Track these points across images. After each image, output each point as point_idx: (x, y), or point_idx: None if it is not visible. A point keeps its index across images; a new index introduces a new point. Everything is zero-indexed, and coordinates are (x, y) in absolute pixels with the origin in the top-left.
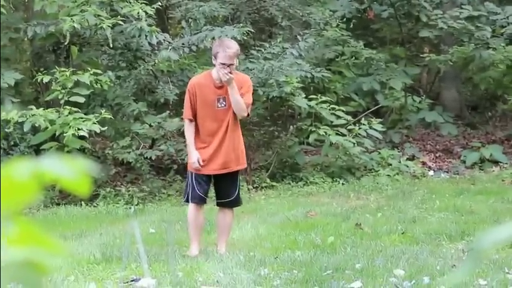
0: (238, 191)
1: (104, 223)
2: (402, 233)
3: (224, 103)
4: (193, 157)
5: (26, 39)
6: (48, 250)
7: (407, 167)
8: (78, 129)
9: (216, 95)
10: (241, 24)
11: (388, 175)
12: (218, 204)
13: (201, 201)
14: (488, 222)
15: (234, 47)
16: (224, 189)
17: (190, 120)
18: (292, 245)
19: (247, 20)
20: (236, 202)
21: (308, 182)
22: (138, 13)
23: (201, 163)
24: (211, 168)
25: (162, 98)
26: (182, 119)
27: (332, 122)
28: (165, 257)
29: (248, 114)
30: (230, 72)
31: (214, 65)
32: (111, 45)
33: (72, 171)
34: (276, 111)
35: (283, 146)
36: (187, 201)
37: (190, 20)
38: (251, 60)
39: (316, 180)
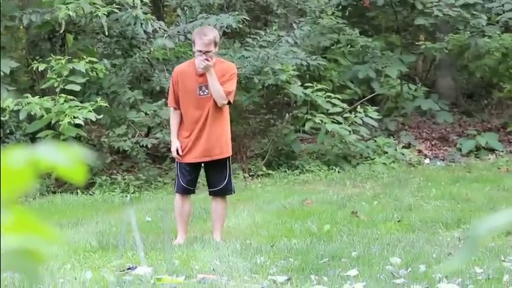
0: (229, 179)
1: (100, 211)
2: (398, 221)
3: (207, 91)
4: (173, 146)
5: (21, 27)
6: (44, 238)
7: (403, 155)
8: (74, 117)
9: (198, 83)
10: (236, 12)
11: (384, 163)
12: (210, 193)
13: (184, 191)
14: (484, 210)
15: (211, 34)
16: (213, 177)
17: (174, 108)
18: (289, 233)
19: (243, 7)
20: (226, 190)
21: (304, 170)
22: (133, 1)
23: (180, 152)
24: (192, 156)
25: (157, 86)
26: None
27: (328, 110)
28: (161, 245)
29: (230, 102)
30: (207, 60)
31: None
32: (106, 33)
33: (68, 159)
34: (271, 99)
35: (279, 134)
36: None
37: (185, 7)
38: (246, 48)
39: (312, 168)
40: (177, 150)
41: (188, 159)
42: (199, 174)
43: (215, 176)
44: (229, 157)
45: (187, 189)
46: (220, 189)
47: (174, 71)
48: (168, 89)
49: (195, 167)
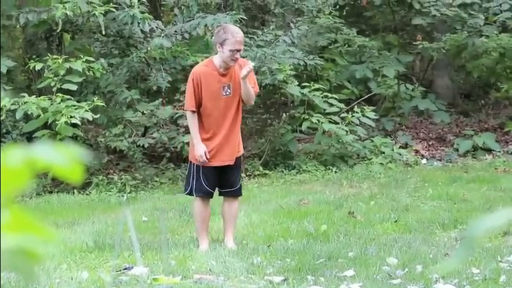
0: (241, 179)
1: (97, 211)
2: (395, 221)
3: (229, 91)
4: (201, 150)
5: (18, 26)
6: (40, 238)
7: (400, 155)
8: (71, 116)
9: (221, 83)
10: (234, 12)
11: (381, 163)
12: (222, 194)
13: (208, 195)
14: (481, 211)
15: (240, 31)
16: (229, 178)
17: (193, 112)
18: (285, 233)
19: (240, 7)
20: (240, 191)
21: (301, 170)
22: (131, 0)
23: (208, 156)
24: (221, 159)
25: (154, 86)
26: (175, 106)
27: (325, 109)
28: (157, 245)
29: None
30: (237, 59)
31: (215, 53)
32: (103, 33)
33: (65, 158)
34: (268, 98)
35: (276, 134)
36: (190, 194)
37: (182, 7)
38: (244, 47)
39: (309, 168)
40: (205, 154)
41: (218, 163)
42: None
43: (232, 176)
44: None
45: (211, 193)
46: (236, 190)
47: (195, 72)
48: (166, 89)
49: (218, 169)
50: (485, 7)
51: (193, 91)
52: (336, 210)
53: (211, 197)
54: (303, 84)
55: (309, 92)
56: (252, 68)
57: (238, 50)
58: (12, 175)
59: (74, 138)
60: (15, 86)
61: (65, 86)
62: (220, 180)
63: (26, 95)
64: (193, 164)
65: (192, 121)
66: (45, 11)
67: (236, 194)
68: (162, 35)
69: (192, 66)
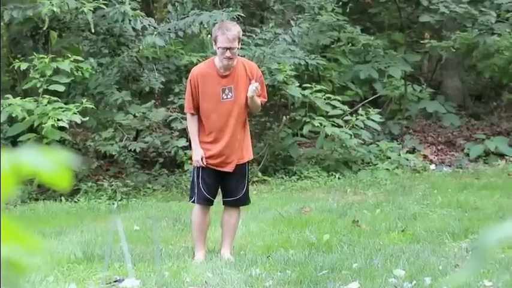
0: (247, 187)
1: (85, 220)
2: (402, 231)
3: (230, 94)
4: (197, 155)
5: (2, 23)
6: (26, 248)
7: (408, 160)
8: (58, 119)
9: (221, 86)
10: (231, 8)
11: (387, 169)
12: (224, 203)
13: (207, 202)
14: (494, 219)
15: (234, 29)
16: (231, 186)
17: (192, 114)
18: (285, 243)
19: (237, 3)
20: (244, 200)
21: (302, 176)
22: None
23: (205, 162)
24: (220, 165)
25: (147, 87)
26: (168, 109)
27: (327, 112)
28: (150, 256)
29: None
30: (231, 58)
31: (214, 53)
32: (92, 31)
33: (52, 164)
34: (267, 100)
35: (275, 138)
36: (194, 202)
37: (176, 3)
38: (241, 46)
39: (311, 174)
40: (202, 159)
41: (216, 168)
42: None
43: (235, 184)
44: (249, 161)
45: (210, 200)
46: (239, 199)
47: (192, 73)
48: (159, 90)
49: (218, 175)
50: (497, 3)
51: (191, 93)
52: (340, 219)
53: (211, 205)
54: (304, 85)
55: (311, 93)
56: (258, 87)
57: (229, 48)
58: None
59: (62, 142)
60: None
61: (52, 87)
62: (221, 188)
63: (10, 96)
64: (195, 168)
65: (190, 124)
66: (31, 8)
67: (238, 203)
68: (155, 33)
69: (186, 66)
